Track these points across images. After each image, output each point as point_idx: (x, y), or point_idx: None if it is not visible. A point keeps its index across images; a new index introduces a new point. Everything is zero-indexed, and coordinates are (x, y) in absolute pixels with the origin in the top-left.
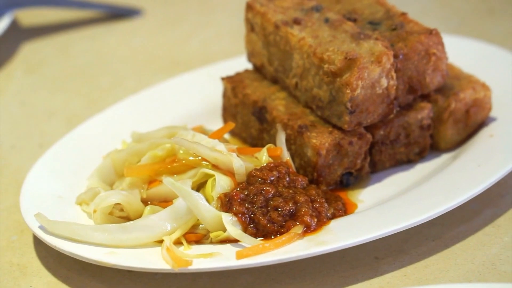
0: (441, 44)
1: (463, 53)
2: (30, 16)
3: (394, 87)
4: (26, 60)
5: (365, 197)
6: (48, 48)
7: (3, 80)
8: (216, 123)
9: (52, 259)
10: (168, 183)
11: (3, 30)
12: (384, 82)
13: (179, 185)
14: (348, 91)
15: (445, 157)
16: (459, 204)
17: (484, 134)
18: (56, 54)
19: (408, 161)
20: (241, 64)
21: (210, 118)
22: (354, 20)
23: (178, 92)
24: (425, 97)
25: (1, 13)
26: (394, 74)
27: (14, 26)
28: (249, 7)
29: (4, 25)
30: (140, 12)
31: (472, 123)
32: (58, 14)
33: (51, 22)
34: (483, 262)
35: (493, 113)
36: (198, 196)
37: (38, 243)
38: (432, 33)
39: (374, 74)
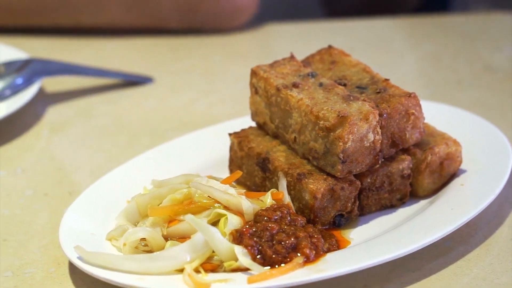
0: (418, 105)
1: (437, 115)
2: (55, 83)
3: (379, 141)
4: (52, 121)
5: (354, 235)
6: (71, 111)
7: (32, 139)
8: (223, 174)
9: (87, 286)
10: (189, 219)
11: (32, 95)
12: (371, 136)
13: (198, 221)
14: (340, 143)
15: (422, 202)
16: (435, 241)
17: (456, 183)
18: (78, 116)
19: (391, 206)
20: (244, 123)
21: (218, 169)
22: (344, 85)
23: (190, 147)
24: (405, 150)
25: (32, 81)
26: (379, 130)
27: (41, 92)
28: (254, 73)
29: (33, 91)
30: (152, 80)
31: (446, 173)
32: (80, 82)
33: (74, 88)
34: None
35: (463, 166)
36: (214, 230)
37: (73, 273)
38: (411, 96)
39: (362, 130)
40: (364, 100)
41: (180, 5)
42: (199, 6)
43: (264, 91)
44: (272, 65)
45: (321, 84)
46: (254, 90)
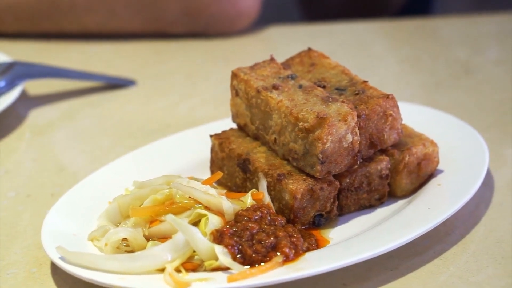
0: (396, 107)
1: (415, 116)
2: (38, 86)
3: (358, 142)
4: (35, 123)
5: (333, 235)
6: (54, 114)
7: (15, 141)
8: (204, 175)
9: (69, 286)
10: (170, 219)
11: (15, 98)
12: (349, 137)
13: (179, 221)
14: (319, 144)
15: (400, 202)
16: (412, 240)
17: (433, 183)
18: (61, 119)
19: (369, 206)
20: (225, 125)
21: (199, 170)
22: (323, 87)
23: (171, 149)
24: (384, 151)
25: (15, 84)
26: (357, 131)
27: (24, 95)
28: (234, 75)
29: (16, 94)
30: (135, 83)
31: (423, 174)
32: (63, 85)
33: (57, 91)
34: None
35: (440, 166)
36: (195, 230)
37: (55, 274)
38: (388, 97)
39: (341, 131)
40: (342, 102)
41: (185, 9)
42: (203, 10)
43: (245, 93)
44: (253, 68)
45: (300, 86)
46: (235, 92)
